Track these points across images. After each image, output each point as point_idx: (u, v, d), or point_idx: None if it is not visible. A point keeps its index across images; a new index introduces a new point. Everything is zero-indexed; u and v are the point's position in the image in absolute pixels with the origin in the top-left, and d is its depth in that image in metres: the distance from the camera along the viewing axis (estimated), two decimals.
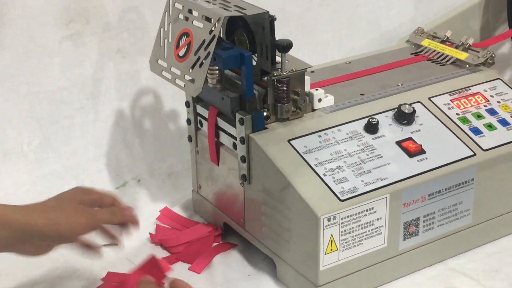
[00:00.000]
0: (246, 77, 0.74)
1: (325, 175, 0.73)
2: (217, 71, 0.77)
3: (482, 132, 0.82)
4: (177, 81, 0.74)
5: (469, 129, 0.81)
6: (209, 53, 0.70)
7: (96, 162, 0.94)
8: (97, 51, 0.92)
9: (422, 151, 0.77)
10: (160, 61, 0.77)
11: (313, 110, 0.79)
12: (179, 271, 0.80)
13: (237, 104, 0.75)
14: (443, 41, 0.95)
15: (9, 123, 0.89)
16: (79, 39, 0.90)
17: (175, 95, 0.95)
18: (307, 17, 1.03)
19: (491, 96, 0.86)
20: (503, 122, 0.84)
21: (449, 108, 0.83)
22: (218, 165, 0.83)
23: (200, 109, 0.82)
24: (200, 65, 0.71)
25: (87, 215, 0.69)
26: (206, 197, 0.88)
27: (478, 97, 0.86)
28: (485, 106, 0.85)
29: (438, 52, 0.93)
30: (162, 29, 0.77)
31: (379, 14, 1.09)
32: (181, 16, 0.75)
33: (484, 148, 0.80)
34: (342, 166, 0.74)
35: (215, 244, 0.84)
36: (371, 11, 1.08)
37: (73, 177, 0.91)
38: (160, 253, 0.83)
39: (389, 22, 1.10)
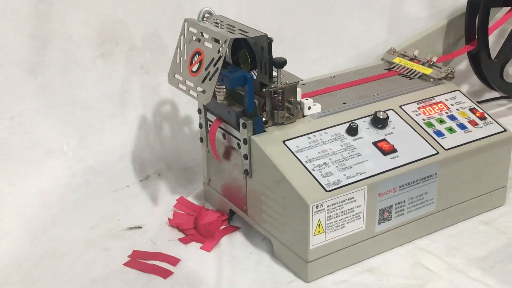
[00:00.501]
0: (248, 94, 0.74)
1: (313, 170, 0.73)
2: (224, 90, 0.77)
3: (444, 135, 0.82)
4: (191, 92, 0.75)
5: (433, 132, 0.82)
6: (217, 69, 0.70)
7: (123, 159, 0.94)
8: (124, 67, 0.92)
9: (394, 150, 0.77)
10: (176, 76, 0.77)
11: (304, 116, 0.79)
12: (192, 249, 0.80)
13: (240, 114, 0.76)
14: (411, 59, 0.95)
15: (52, 127, 0.89)
16: (109, 57, 0.90)
17: (189, 104, 0.95)
18: (298, 39, 1.03)
19: (451, 104, 0.87)
20: (461, 126, 0.84)
21: (416, 115, 0.83)
22: (219, 161, 0.83)
23: (210, 116, 0.82)
24: (210, 79, 0.71)
25: None
26: (215, 188, 0.88)
27: (441, 106, 0.86)
28: (446, 113, 0.85)
29: (408, 68, 0.93)
30: (178, 49, 0.78)
31: (358, 37, 1.09)
32: (194, 38, 0.75)
33: (446, 148, 0.80)
34: (328, 163, 0.74)
35: (222, 227, 0.84)
36: (351, 34, 1.08)
37: (104, 171, 0.91)
38: (177, 235, 0.83)
39: (366, 43, 1.10)
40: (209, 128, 0.82)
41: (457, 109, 0.86)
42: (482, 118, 0.86)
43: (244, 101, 0.75)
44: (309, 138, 0.76)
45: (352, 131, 0.78)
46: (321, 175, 0.72)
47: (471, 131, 0.83)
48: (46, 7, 0.84)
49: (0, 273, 0.75)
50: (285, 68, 0.76)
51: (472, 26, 1.04)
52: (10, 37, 0.83)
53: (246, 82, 0.73)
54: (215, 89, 0.72)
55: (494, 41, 1.14)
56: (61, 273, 0.75)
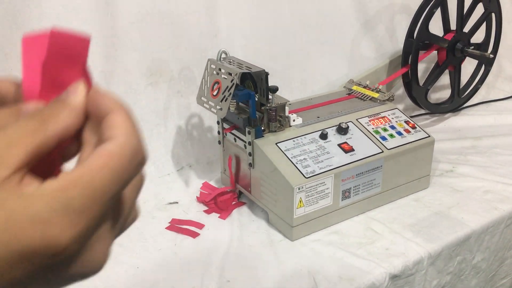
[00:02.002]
0: (251, 106, 0.74)
1: (297, 163, 0.73)
2: (235, 103, 0.77)
3: (387, 139, 0.82)
4: (212, 109, 0.75)
5: (379, 137, 0.82)
6: (230, 93, 0.71)
7: (165, 155, 0.94)
8: (166, 92, 0.92)
9: (353, 150, 0.77)
10: (202, 98, 0.77)
11: (290, 126, 0.79)
12: (212, 218, 0.80)
13: (247, 122, 0.76)
14: (365, 87, 0.95)
15: None
16: (156, 85, 0.91)
17: (211, 117, 0.95)
18: (286, 73, 1.04)
19: (392, 118, 0.87)
20: (399, 133, 0.84)
21: (368, 125, 0.83)
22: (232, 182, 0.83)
23: (225, 125, 0.82)
24: (225, 100, 0.71)
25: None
26: (228, 176, 0.88)
27: (385, 119, 0.86)
28: (388, 124, 0.85)
29: (362, 93, 0.93)
30: (203, 79, 0.78)
31: (327, 71, 1.09)
32: (214, 72, 0.76)
33: (388, 148, 0.80)
34: (307, 158, 0.74)
35: (233, 202, 0.84)
36: (323, 69, 1.08)
37: (152, 163, 0.91)
38: (202, 208, 0.83)
39: (333, 76, 1.10)
40: (225, 135, 0.82)
41: (396, 121, 0.86)
42: (413, 127, 0.85)
43: (249, 111, 0.75)
44: (293, 141, 0.76)
45: (324, 136, 0.78)
46: (302, 166, 0.72)
47: (405, 136, 0.83)
48: (113, 50, 0.84)
49: None
50: (277, 93, 0.76)
51: (406, 63, 1.04)
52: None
53: (250, 97, 0.73)
54: (230, 103, 0.72)
55: (421, 74, 1.15)
56: None
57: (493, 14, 1.11)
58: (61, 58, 0.24)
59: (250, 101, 0.74)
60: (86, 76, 0.25)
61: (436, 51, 1.07)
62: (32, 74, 0.24)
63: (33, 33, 0.24)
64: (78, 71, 0.25)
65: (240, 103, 0.78)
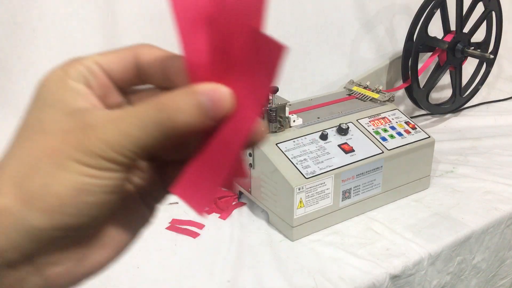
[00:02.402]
0: None
1: (297, 163, 0.73)
2: None
3: (387, 139, 0.82)
4: None
5: (380, 138, 0.82)
6: None
7: None
8: None
9: (353, 150, 0.78)
10: None
11: (290, 126, 0.79)
12: (213, 218, 0.80)
13: None
14: (365, 87, 0.95)
15: None
16: None
17: None
18: (286, 73, 1.04)
19: (392, 119, 0.87)
20: (399, 134, 0.84)
21: (368, 126, 0.84)
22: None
23: None
24: None
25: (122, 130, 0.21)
26: None
27: (385, 120, 0.86)
28: (388, 124, 0.85)
29: (362, 94, 0.93)
30: None
31: (327, 72, 1.09)
32: None
33: (388, 148, 0.80)
34: (307, 159, 0.74)
35: (234, 203, 0.84)
36: (323, 70, 1.08)
37: None
38: None
39: (333, 76, 1.10)
40: None
41: (396, 122, 0.86)
42: (413, 128, 0.86)
43: None
44: (294, 141, 0.76)
45: (324, 137, 0.78)
46: (302, 167, 0.72)
47: (405, 137, 0.83)
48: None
49: None
50: (278, 93, 0.76)
51: (406, 69, 1.04)
52: None
53: None
54: None
55: (421, 75, 1.15)
56: None
57: (493, 13, 1.11)
58: (233, 18, 0.19)
59: None
60: (261, 45, 0.20)
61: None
62: (195, 43, 0.20)
63: None
64: (252, 37, 0.20)
65: None
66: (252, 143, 0.21)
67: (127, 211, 0.23)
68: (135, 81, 0.23)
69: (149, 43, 0.24)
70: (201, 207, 0.21)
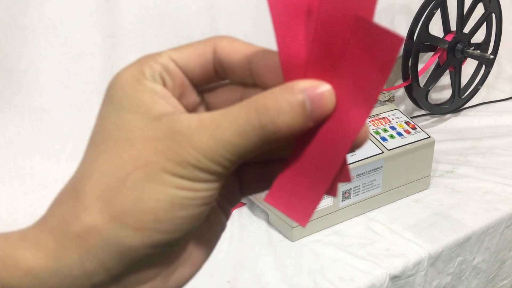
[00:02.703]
0: None
1: None
2: None
3: (387, 139, 0.82)
4: None
5: (380, 138, 0.82)
6: None
7: None
8: None
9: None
10: None
11: None
12: None
13: None
14: None
15: None
16: None
17: None
18: None
19: (392, 119, 0.87)
20: (399, 134, 0.84)
21: (368, 126, 0.84)
22: None
23: None
24: None
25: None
26: None
27: (385, 120, 0.86)
28: (388, 124, 0.85)
29: None
30: None
31: None
32: None
33: (388, 149, 0.80)
34: None
35: None
36: None
37: None
38: None
39: None
40: None
41: (396, 122, 0.86)
42: (414, 128, 0.86)
43: None
44: None
45: None
46: None
47: (406, 137, 0.83)
48: (113, 51, 0.85)
49: None
50: None
51: (406, 68, 1.04)
52: (87, 72, 0.83)
53: None
54: None
55: (422, 76, 1.15)
56: None
57: (493, 15, 1.11)
58: (338, 8, 0.18)
59: None
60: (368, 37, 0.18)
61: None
62: (292, 37, 0.18)
63: None
64: (361, 28, 0.18)
65: None
66: (355, 145, 0.19)
67: (208, 220, 0.22)
68: (213, 77, 0.22)
69: (227, 35, 0.22)
70: (305, 218, 0.19)
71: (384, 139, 0.82)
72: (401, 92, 1.16)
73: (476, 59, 1.11)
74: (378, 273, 0.67)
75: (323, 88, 0.18)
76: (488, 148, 1.02)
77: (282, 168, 0.20)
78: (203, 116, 0.18)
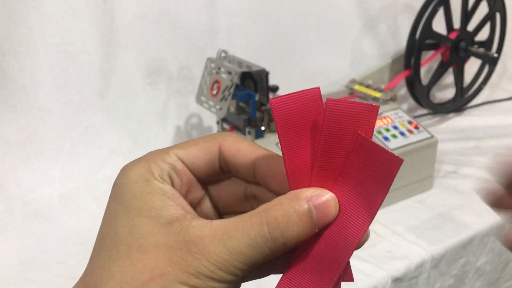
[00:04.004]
0: (251, 106, 0.74)
1: None
2: (235, 103, 0.77)
3: (389, 139, 0.81)
4: (212, 109, 0.74)
5: (382, 137, 0.81)
6: (230, 93, 0.70)
7: None
8: (165, 91, 0.92)
9: None
10: (202, 97, 0.77)
11: None
12: None
13: (247, 122, 0.75)
14: (367, 86, 0.95)
15: (114, 133, 0.89)
16: (154, 84, 0.90)
17: (211, 117, 0.95)
18: (287, 71, 1.03)
19: (395, 118, 0.86)
20: (402, 133, 0.83)
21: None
22: None
23: (225, 126, 0.82)
24: (225, 100, 0.71)
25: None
26: None
27: (387, 119, 0.86)
28: (391, 124, 0.85)
29: (364, 93, 0.93)
30: (203, 78, 0.78)
31: (329, 71, 1.09)
32: (214, 71, 0.75)
33: (391, 148, 0.80)
34: None
35: None
36: (324, 69, 1.08)
37: None
38: None
39: (335, 75, 1.09)
40: None
41: (399, 121, 0.86)
42: (416, 127, 0.85)
43: (249, 111, 0.75)
44: None
45: None
46: None
47: (408, 137, 0.83)
48: (111, 49, 0.84)
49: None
50: (278, 92, 0.76)
51: (408, 66, 1.04)
52: (84, 71, 0.83)
53: (250, 98, 0.73)
54: (230, 103, 0.72)
55: (424, 74, 1.15)
56: None
57: (497, 13, 1.11)
58: (341, 125, 0.20)
59: (250, 102, 0.73)
60: (367, 147, 0.20)
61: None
62: (296, 150, 0.20)
63: (289, 96, 0.19)
64: (362, 145, 0.20)
65: (240, 103, 0.78)
66: (357, 246, 0.21)
67: None
68: (218, 173, 0.23)
69: (232, 133, 0.23)
70: None
71: (386, 138, 0.81)
72: (403, 91, 1.15)
73: (479, 58, 1.10)
74: (380, 276, 0.66)
75: (327, 196, 0.20)
76: (492, 148, 1.01)
77: (287, 268, 0.21)
78: (215, 225, 0.19)
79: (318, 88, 0.21)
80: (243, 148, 0.23)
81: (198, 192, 0.23)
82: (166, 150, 0.22)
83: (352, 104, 0.20)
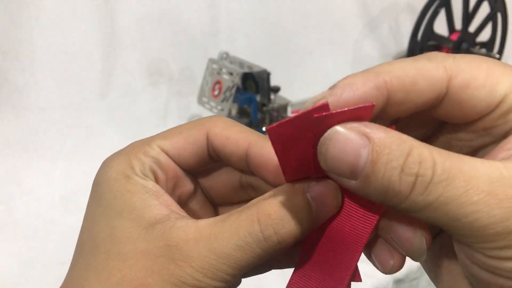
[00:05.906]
0: (253, 109, 0.74)
1: None
2: (236, 106, 0.77)
3: None
4: (213, 109, 0.75)
5: None
6: (231, 93, 0.71)
7: None
8: (166, 92, 0.92)
9: None
10: (203, 98, 0.77)
11: None
12: None
13: (248, 124, 0.76)
14: None
15: (114, 132, 0.89)
16: (155, 85, 0.91)
17: None
18: (288, 72, 1.04)
19: None
20: None
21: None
22: None
23: None
24: (227, 100, 0.71)
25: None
26: None
27: None
28: None
29: None
30: (204, 79, 0.78)
31: (329, 72, 1.09)
32: (215, 72, 0.76)
33: None
34: None
35: None
36: (325, 70, 1.08)
37: None
38: None
39: (335, 77, 1.09)
40: None
41: None
42: None
43: (251, 114, 0.75)
44: None
45: None
46: None
47: None
48: (112, 50, 0.85)
49: None
50: (279, 93, 0.76)
51: None
52: (85, 71, 0.84)
53: (252, 101, 0.73)
54: (232, 106, 0.72)
55: None
56: None
57: (498, 14, 1.11)
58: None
59: (251, 105, 0.74)
60: None
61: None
62: (294, 148, 0.17)
63: (288, 122, 0.17)
64: None
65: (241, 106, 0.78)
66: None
67: None
68: (208, 162, 0.20)
69: (220, 117, 0.20)
70: None
71: None
72: None
73: None
74: (382, 277, 0.66)
75: (327, 184, 0.17)
76: None
77: (295, 269, 0.19)
78: (201, 225, 0.17)
79: (313, 110, 0.18)
80: (233, 135, 0.20)
81: (187, 185, 0.20)
82: (148, 141, 0.20)
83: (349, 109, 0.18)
